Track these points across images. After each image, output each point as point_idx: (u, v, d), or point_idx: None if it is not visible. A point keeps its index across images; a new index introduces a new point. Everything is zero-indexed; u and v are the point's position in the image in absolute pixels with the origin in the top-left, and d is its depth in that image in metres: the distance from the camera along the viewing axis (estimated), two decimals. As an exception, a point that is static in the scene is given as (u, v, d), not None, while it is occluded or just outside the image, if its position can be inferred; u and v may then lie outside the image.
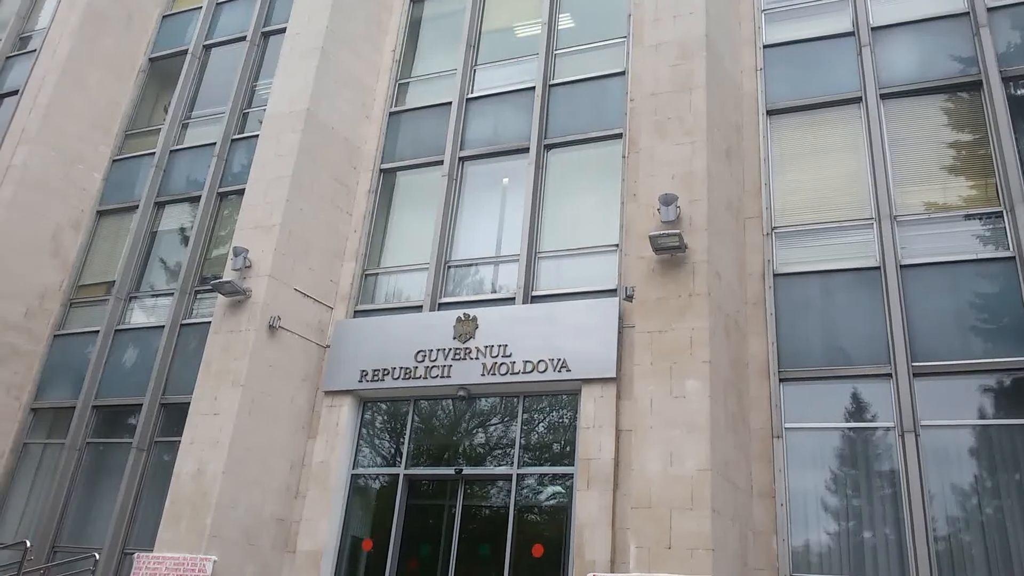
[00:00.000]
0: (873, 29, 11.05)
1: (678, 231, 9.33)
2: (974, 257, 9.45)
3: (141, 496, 12.32)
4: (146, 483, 12.41)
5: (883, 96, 10.62)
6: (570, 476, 10.21)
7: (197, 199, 14.70)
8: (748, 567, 8.92)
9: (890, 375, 9.22)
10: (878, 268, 9.75)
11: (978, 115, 10.16)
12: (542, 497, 10.62)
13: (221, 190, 14.59)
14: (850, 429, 9.35)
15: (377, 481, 11.63)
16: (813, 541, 9.02)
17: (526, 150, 12.57)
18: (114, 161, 16.26)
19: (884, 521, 8.86)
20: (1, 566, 12.10)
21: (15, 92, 16.70)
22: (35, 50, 17.08)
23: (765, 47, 11.64)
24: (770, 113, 11.17)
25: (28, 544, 11.35)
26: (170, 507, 10.69)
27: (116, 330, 14.12)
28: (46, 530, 12.61)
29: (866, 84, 10.71)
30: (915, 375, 9.12)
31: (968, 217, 9.74)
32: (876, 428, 9.24)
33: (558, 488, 10.46)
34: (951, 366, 9.05)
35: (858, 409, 9.38)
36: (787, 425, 9.49)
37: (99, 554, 11.59)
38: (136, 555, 10.47)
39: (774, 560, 8.93)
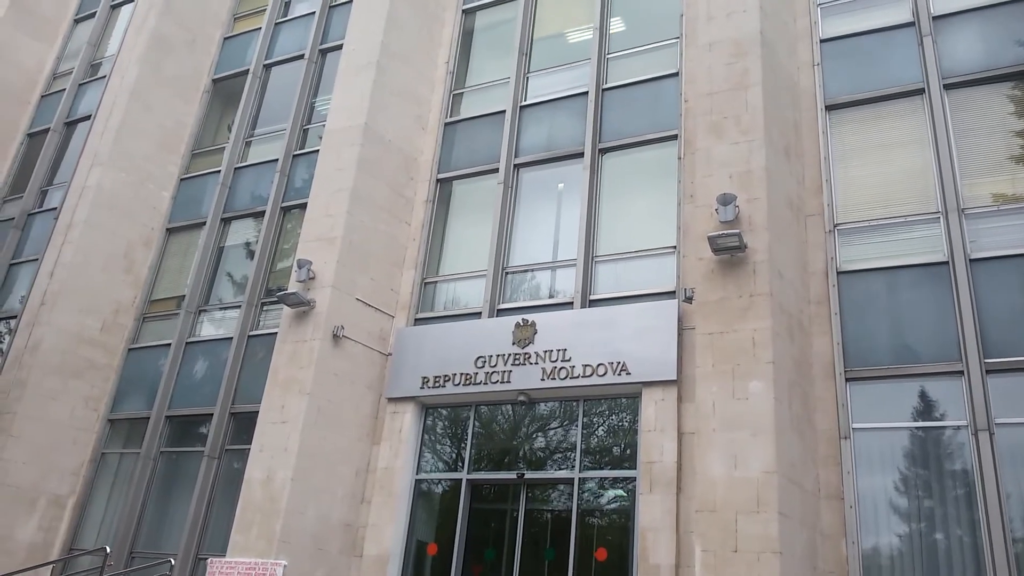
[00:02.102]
0: (934, 18, 10.78)
1: (738, 231, 9.24)
2: (1048, 249, 9.14)
3: (213, 503, 12.69)
4: (218, 490, 12.77)
5: (947, 86, 10.34)
6: (632, 480, 10.17)
7: (261, 214, 15.11)
8: (817, 571, 8.74)
9: (961, 372, 8.95)
10: (946, 263, 9.48)
11: (1048, 102, 9.83)
12: (604, 501, 10.59)
13: (284, 204, 14.96)
14: (920, 428, 9.10)
15: (440, 486, 11.76)
16: (884, 544, 8.79)
17: (581, 155, 12.60)
18: (181, 180, 16.82)
19: (958, 523, 8.59)
20: (83, 571, 12.60)
21: (88, 117, 17.47)
22: (105, 76, 17.86)
23: (822, 41, 11.45)
24: (829, 108, 10.97)
25: (108, 550, 11.80)
26: (241, 514, 10.98)
27: (187, 343, 14.58)
28: (124, 536, 13.08)
29: (928, 75, 10.45)
30: (988, 372, 8.84)
31: (1039, 208, 9.42)
32: (947, 427, 8.98)
33: (620, 492, 10.42)
34: (1025, 362, 8.76)
35: (928, 408, 9.13)
36: (854, 425, 9.29)
37: (174, 559, 11.98)
38: (209, 560, 10.78)
39: (844, 564, 8.73)
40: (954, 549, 8.51)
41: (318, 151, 13.83)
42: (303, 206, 13.72)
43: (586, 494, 10.60)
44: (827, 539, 8.92)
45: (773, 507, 8.20)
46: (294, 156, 15.40)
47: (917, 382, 9.22)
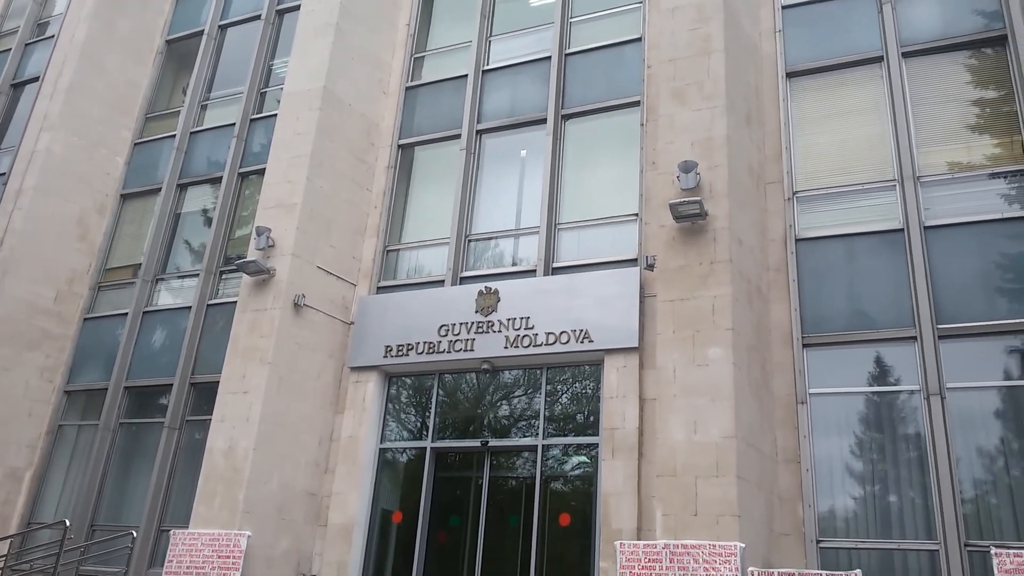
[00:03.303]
0: (895, -14, 10.82)
1: (698, 198, 9.28)
2: (999, 216, 9.30)
3: (175, 474, 12.59)
4: (179, 462, 12.67)
5: (905, 55, 10.42)
6: (595, 446, 10.29)
7: (219, 180, 14.82)
8: (775, 532, 8.96)
9: (915, 338, 9.15)
10: (901, 230, 9.64)
11: (1003, 71, 9.94)
12: (568, 467, 10.71)
13: (242, 170, 14.69)
14: (875, 393, 9.31)
15: (405, 455, 11.79)
16: (839, 506, 9.04)
17: (543, 121, 12.51)
18: (136, 144, 16.40)
19: (911, 485, 8.85)
20: (42, 544, 12.46)
21: (36, 79, 16.88)
22: (53, 36, 17.22)
23: (783, 8, 11.43)
24: (790, 75, 11.01)
25: (67, 523, 11.65)
26: (203, 484, 10.91)
27: (144, 312, 14.33)
28: (84, 509, 12.94)
29: (887, 43, 10.52)
30: (940, 337, 9.05)
31: (993, 176, 9.58)
32: (901, 391, 9.20)
33: (583, 458, 10.55)
34: (977, 327, 8.97)
35: (882, 373, 9.34)
36: (811, 391, 9.48)
37: (136, 532, 11.88)
38: (172, 532, 10.72)
39: (800, 525, 8.97)
40: (906, 510, 8.78)
41: (276, 115, 13.55)
42: (261, 172, 13.48)
43: (550, 461, 10.71)
44: (784, 502, 9.14)
45: (732, 471, 8.36)
46: (251, 120, 15.09)
47: (872, 348, 9.41)
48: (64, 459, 13.98)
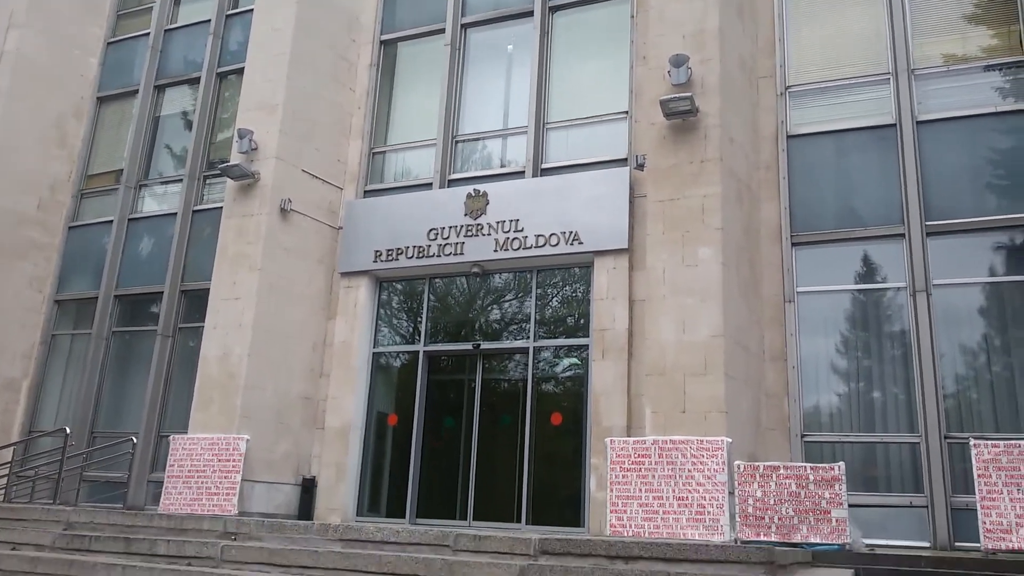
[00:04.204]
0: None
1: (690, 94, 9.09)
2: (993, 110, 9.17)
3: (171, 381, 12.71)
4: (175, 369, 12.78)
5: (905, -60, 9.99)
6: (585, 347, 10.41)
7: (197, 81, 14.37)
8: (761, 428, 9.21)
9: (903, 235, 9.16)
10: (894, 125, 9.51)
11: (1003, -42, 9.59)
12: (559, 369, 10.88)
13: (220, 70, 14.23)
14: (862, 291, 9.39)
15: (398, 359, 11.93)
16: (824, 402, 9.26)
17: (530, 13, 12.06)
18: (109, 44, 15.80)
19: (894, 381, 9.05)
20: (44, 452, 12.71)
21: (-3, -25, 16.06)
22: (13, -74, 16.26)
23: None
24: (785, -36, 10.58)
25: (68, 431, 11.87)
26: (200, 391, 11.07)
27: (129, 219, 14.16)
28: (83, 417, 13.12)
29: (887, -73, 10.06)
30: (928, 234, 9.06)
31: (988, 68, 9.38)
32: (888, 289, 9.28)
33: (574, 360, 10.70)
34: (965, 224, 8.98)
35: (870, 271, 9.39)
36: (799, 289, 9.55)
37: (136, 438, 12.10)
38: (172, 437, 10.93)
39: (786, 420, 9.20)
40: (889, 405, 9.00)
41: (253, 10, 13.02)
42: (241, 71, 13.07)
43: (541, 363, 10.86)
44: (771, 398, 9.34)
45: (720, 369, 8.51)
46: (227, 16, 14.52)
47: (860, 245, 9.43)
48: (60, 368, 14.10)
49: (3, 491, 12.27)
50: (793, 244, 9.67)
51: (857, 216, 9.48)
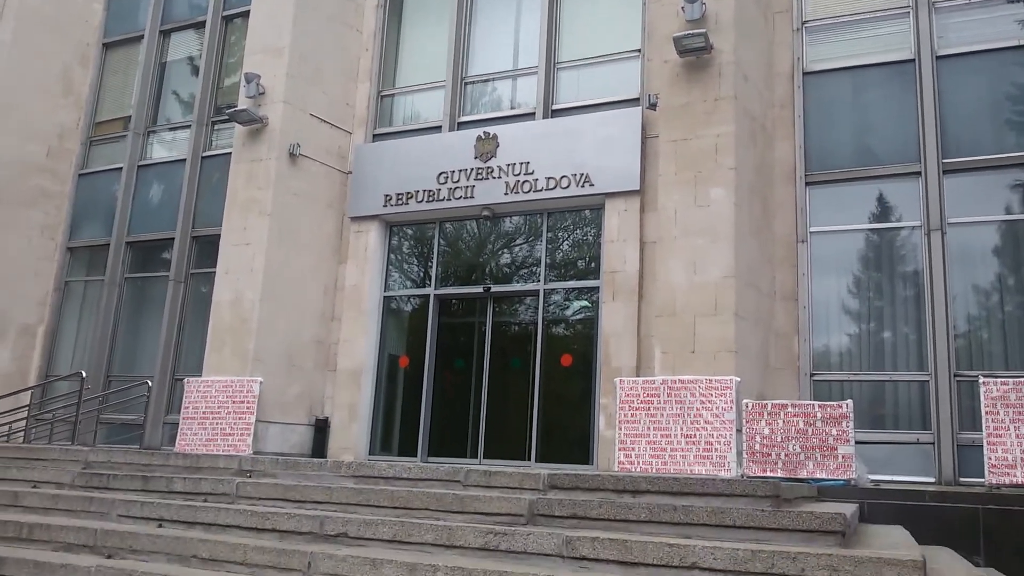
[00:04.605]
0: None
1: (703, 30, 8.92)
2: (1015, 44, 8.94)
3: (184, 326, 12.82)
4: (187, 313, 12.87)
5: None
6: (596, 290, 10.39)
7: (202, 25, 14.18)
8: (770, 367, 9.22)
9: (919, 173, 9.02)
10: (912, 60, 9.30)
11: None
12: (569, 312, 10.88)
13: (226, 13, 14.02)
14: (875, 231, 9.29)
15: (409, 303, 11.97)
16: (834, 341, 9.23)
17: (540, -49, 11.78)
18: (111, -12, 15.60)
19: (905, 321, 9.00)
20: (61, 396, 12.91)
21: (-3, -83, 15.79)
22: None
23: None
24: None
25: (83, 375, 12.02)
26: (213, 335, 11.17)
27: (138, 166, 14.13)
28: (98, 362, 13.28)
29: None
30: (945, 172, 8.92)
31: (1012, 0, 9.11)
32: (902, 228, 9.17)
33: (584, 302, 10.69)
34: (982, 161, 8.83)
35: (884, 210, 9.28)
36: (812, 229, 9.46)
37: (151, 381, 12.25)
38: (186, 380, 11.06)
39: (795, 360, 9.20)
40: (899, 345, 8.97)
41: (255, -50, 12.78)
42: (246, 15, 12.87)
43: (551, 306, 10.86)
44: (780, 338, 9.33)
45: (730, 309, 8.50)
46: (230, -44, 14.26)
47: (875, 184, 9.30)
48: (74, 314, 14.23)
49: (22, 433, 12.51)
50: (807, 183, 9.55)
51: (873, 154, 9.33)
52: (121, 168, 14.17)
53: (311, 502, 6.43)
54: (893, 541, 5.46)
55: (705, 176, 8.89)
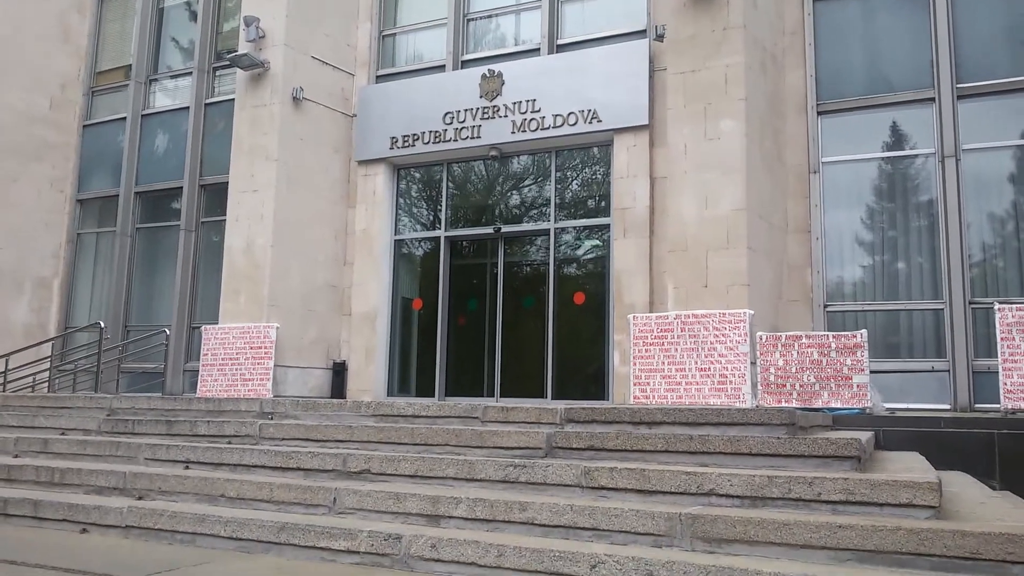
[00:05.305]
0: None
1: (710, -42, 8.70)
2: (1033, -38, 8.71)
3: (198, 274, 12.88)
4: (200, 262, 12.92)
5: None
6: (606, 227, 10.37)
7: (198, -33, 13.93)
8: (783, 299, 9.24)
9: (933, 99, 8.89)
10: (927, -17, 9.08)
11: None
12: (580, 251, 10.88)
13: (220, -46, 13.76)
14: (888, 159, 9.20)
15: (420, 246, 11.98)
16: (848, 272, 9.23)
17: None
18: (105, -67, 15.26)
19: (919, 251, 8.97)
20: (81, 346, 13.07)
21: None
22: None
23: None
24: None
25: (103, 325, 12.16)
26: (227, 282, 11.24)
27: (142, 115, 14.02)
28: (116, 313, 13.40)
29: None
30: (959, 97, 8.78)
31: (1030, -84, 8.84)
32: (916, 156, 9.07)
33: (595, 241, 10.68)
34: (998, 85, 8.69)
35: (898, 138, 9.17)
36: (824, 159, 9.37)
37: (169, 330, 12.38)
38: (203, 327, 11.17)
39: (808, 292, 9.22)
40: (914, 274, 8.96)
41: None
42: (241, -45, 12.61)
43: (563, 245, 10.85)
44: (793, 270, 9.33)
45: (742, 243, 8.48)
46: None
47: (888, 112, 9.18)
48: (88, 266, 14.31)
49: (46, 384, 12.72)
50: (819, 113, 9.43)
51: (885, 81, 9.18)
52: (125, 118, 14.08)
53: (333, 441, 6.54)
54: (908, 465, 5.54)
55: (715, 108, 8.78)
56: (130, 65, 14.37)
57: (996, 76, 8.69)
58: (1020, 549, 3.64)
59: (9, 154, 13.59)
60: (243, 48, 11.48)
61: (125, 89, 14.32)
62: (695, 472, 4.80)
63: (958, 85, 8.78)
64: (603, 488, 4.96)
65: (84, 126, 14.63)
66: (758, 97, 8.95)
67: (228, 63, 12.03)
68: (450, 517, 4.89)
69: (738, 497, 4.61)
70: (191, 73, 13.62)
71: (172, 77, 14.14)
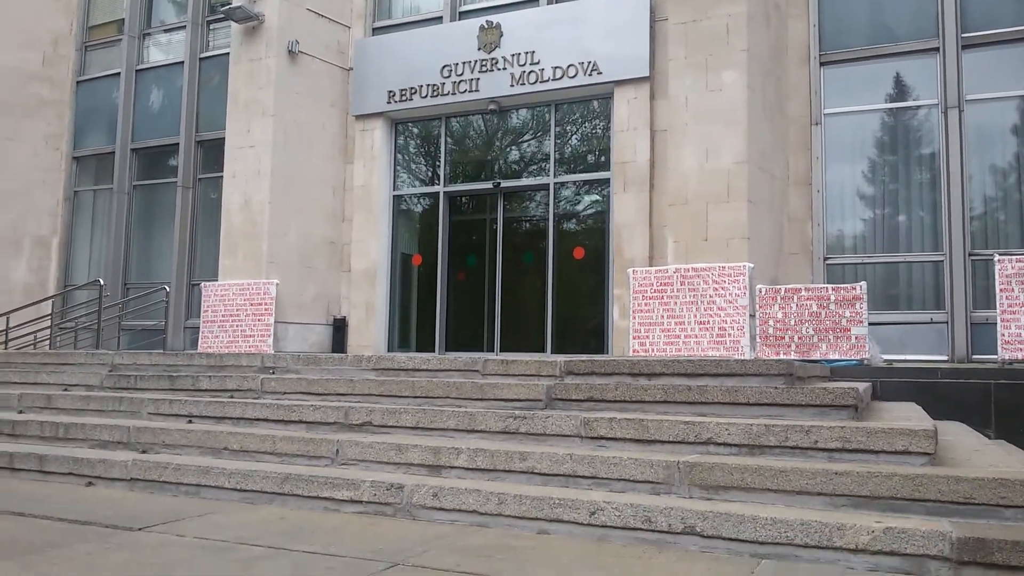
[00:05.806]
0: None
1: (712, -96, 8.52)
2: (1043, -94, 8.52)
3: (196, 231, 12.85)
4: (198, 218, 12.88)
5: None
6: (606, 182, 10.31)
7: (189, -83, 13.63)
8: (783, 252, 9.22)
9: (937, 49, 8.77)
10: (933, -72, 8.89)
11: None
12: (580, 206, 10.83)
13: (212, -96, 13.46)
14: (891, 111, 9.10)
15: (419, 203, 11.92)
16: (848, 225, 9.20)
17: None
18: None
19: (920, 204, 8.93)
20: (81, 304, 13.10)
21: None
22: None
23: None
24: None
25: (102, 282, 12.16)
26: (225, 239, 11.21)
27: (136, 70, 13.86)
28: (115, 270, 13.40)
29: None
30: (964, 47, 8.66)
31: None
32: (919, 107, 8.98)
33: (595, 196, 10.62)
34: (1003, 34, 8.56)
35: (901, 89, 9.07)
36: (826, 111, 9.28)
37: (168, 287, 12.39)
38: (203, 284, 11.17)
39: (809, 245, 9.20)
40: (914, 227, 8.93)
41: None
42: (233, -95, 12.33)
43: (562, 200, 10.80)
44: (793, 223, 9.30)
45: (743, 195, 8.45)
46: None
47: (892, 63, 9.06)
48: (86, 224, 14.26)
49: (47, 341, 12.77)
50: (821, 64, 9.31)
51: (889, 31, 9.05)
52: (119, 73, 13.91)
53: (335, 394, 6.58)
54: (905, 415, 5.58)
55: (716, 59, 8.67)
56: (123, 19, 14.16)
57: (1001, 25, 8.57)
58: (1013, 493, 3.69)
59: (3, 112, 13.46)
60: (237, 1, 11.29)
61: (118, 44, 14.13)
62: (693, 422, 4.84)
63: (963, 35, 8.66)
64: (602, 438, 5.01)
65: (78, 82, 14.46)
66: (760, 48, 8.83)
67: (222, 16, 11.86)
68: (451, 467, 4.95)
69: (736, 446, 4.66)
70: (185, 27, 13.43)
71: (166, 31, 13.95)
